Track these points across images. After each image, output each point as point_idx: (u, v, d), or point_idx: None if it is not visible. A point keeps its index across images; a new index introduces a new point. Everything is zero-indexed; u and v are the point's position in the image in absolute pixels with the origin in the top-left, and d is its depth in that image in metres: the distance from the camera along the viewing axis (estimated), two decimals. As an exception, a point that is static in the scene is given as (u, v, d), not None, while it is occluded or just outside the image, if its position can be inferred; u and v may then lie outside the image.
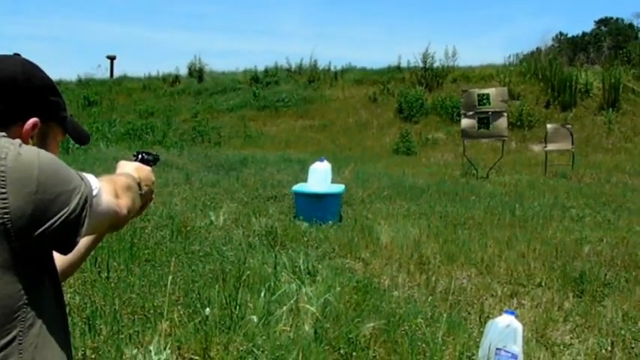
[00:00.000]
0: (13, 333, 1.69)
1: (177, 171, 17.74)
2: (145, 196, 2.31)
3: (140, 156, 2.53)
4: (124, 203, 2.04)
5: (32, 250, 1.71)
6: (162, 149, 23.07)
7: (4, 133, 1.78)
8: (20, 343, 1.70)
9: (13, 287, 1.67)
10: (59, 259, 1.93)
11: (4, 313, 1.67)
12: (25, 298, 1.70)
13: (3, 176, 1.64)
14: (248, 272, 7.53)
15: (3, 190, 1.63)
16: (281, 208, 12.71)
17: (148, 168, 2.43)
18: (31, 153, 1.71)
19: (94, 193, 1.83)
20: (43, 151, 1.75)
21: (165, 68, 46.32)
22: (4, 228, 1.63)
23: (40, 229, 1.68)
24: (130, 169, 2.33)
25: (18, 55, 2.00)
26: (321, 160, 12.43)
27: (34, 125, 1.92)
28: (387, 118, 29.61)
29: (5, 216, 1.63)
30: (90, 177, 1.86)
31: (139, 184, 2.25)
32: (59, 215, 1.70)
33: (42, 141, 1.96)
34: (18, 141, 1.74)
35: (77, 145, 21.88)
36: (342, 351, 5.56)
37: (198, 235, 9.96)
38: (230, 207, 12.49)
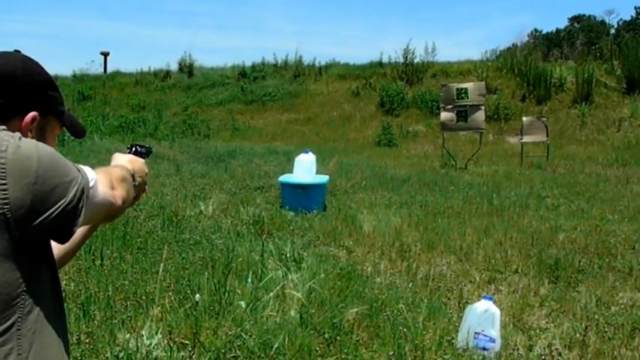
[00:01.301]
0: (12, 319, 1.70)
1: (168, 162, 17.70)
2: (138, 187, 2.32)
3: (134, 148, 2.53)
4: (119, 194, 2.05)
5: (31, 240, 1.72)
6: (153, 141, 23.02)
7: (4, 127, 1.78)
8: (19, 329, 1.71)
9: (12, 275, 1.68)
10: (56, 247, 1.93)
11: (3, 300, 1.68)
12: (24, 285, 1.71)
13: (3, 168, 1.64)
14: (236, 260, 7.54)
15: (3, 182, 1.64)
16: (268, 198, 12.71)
17: (141, 160, 2.44)
18: (30, 146, 1.72)
19: (91, 184, 1.83)
20: (41, 144, 1.76)
21: (157, 64, 46.16)
22: (4, 218, 1.64)
23: (39, 219, 1.69)
24: (124, 160, 2.34)
25: (18, 51, 2.01)
26: (307, 152, 12.43)
27: (33, 119, 1.92)
28: (369, 111, 29.59)
29: (5, 206, 1.64)
30: (87, 169, 1.87)
31: (132, 176, 2.25)
32: (57, 206, 1.71)
33: (40, 134, 1.97)
34: (18, 134, 1.75)
35: (72, 138, 21.89)
36: (326, 335, 5.57)
37: (189, 224, 9.95)
38: (219, 197, 12.49)
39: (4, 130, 1.76)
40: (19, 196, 1.65)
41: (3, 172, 1.64)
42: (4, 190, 1.64)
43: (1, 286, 1.67)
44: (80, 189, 1.77)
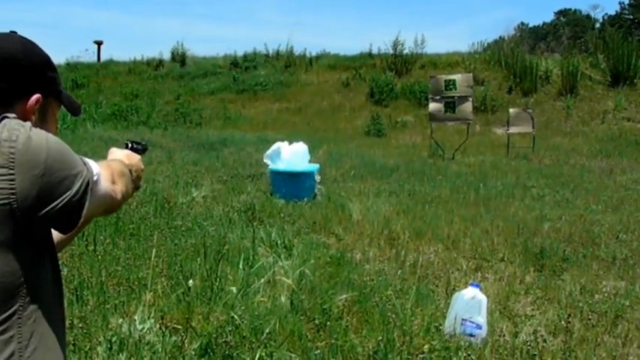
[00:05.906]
0: (14, 308, 1.70)
1: (160, 150, 17.65)
2: (133, 182, 2.31)
3: (131, 145, 2.52)
4: (119, 189, 2.04)
5: (35, 230, 1.72)
6: (146, 129, 23.07)
7: (14, 115, 1.77)
8: (20, 318, 1.71)
9: (14, 265, 1.68)
10: (54, 233, 1.91)
11: (5, 289, 1.68)
12: (26, 275, 1.71)
13: (12, 158, 1.64)
14: (228, 246, 7.52)
15: (11, 172, 1.63)
16: (258, 186, 12.68)
17: (137, 156, 2.44)
18: (41, 137, 1.71)
19: (95, 178, 1.83)
20: (51, 135, 1.75)
21: (150, 53, 45.82)
22: (10, 208, 1.63)
23: (44, 210, 1.69)
24: (121, 155, 2.33)
25: (14, 32, 1.98)
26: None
27: (37, 101, 1.90)
28: (358, 101, 29.56)
29: (12, 196, 1.63)
30: (91, 162, 1.86)
31: (130, 171, 2.24)
32: (62, 198, 1.70)
33: (42, 116, 1.95)
34: (29, 124, 1.74)
35: (65, 125, 21.86)
36: (316, 321, 5.57)
37: (181, 210, 9.93)
38: (211, 185, 12.46)
39: (15, 117, 1.75)
40: (26, 187, 1.64)
41: (12, 162, 1.63)
42: (12, 180, 1.63)
43: (3, 275, 1.67)
44: (85, 182, 1.76)
